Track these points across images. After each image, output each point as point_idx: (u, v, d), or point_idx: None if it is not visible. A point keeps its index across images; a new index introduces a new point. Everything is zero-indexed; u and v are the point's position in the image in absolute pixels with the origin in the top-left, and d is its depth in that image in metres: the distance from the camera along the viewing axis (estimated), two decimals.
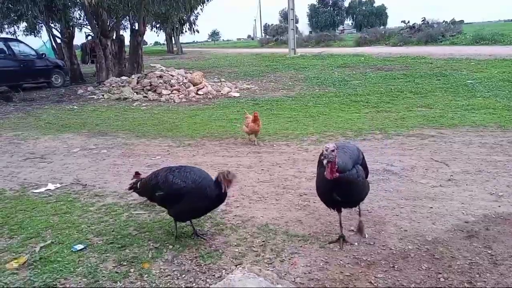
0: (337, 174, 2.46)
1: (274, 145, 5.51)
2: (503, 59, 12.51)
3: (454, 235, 2.82)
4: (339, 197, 2.61)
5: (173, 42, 42.53)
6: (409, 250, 2.64)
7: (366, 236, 2.84)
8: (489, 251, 2.58)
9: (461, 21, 28.58)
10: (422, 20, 26.73)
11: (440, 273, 2.38)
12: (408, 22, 27.82)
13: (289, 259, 2.61)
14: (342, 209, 2.84)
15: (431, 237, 2.80)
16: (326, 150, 2.40)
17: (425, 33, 24.42)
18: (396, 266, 2.47)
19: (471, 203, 3.31)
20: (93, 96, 11.63)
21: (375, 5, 72.81)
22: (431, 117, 6.63)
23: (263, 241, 2.85)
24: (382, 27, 50.85)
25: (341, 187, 2.53)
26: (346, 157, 2.56)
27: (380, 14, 71.88)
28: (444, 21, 27.03)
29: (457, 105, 7.40)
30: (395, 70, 12.56)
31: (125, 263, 2.63)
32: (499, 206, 3.23)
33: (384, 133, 5.81)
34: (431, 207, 3.27)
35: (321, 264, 2.54)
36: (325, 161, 2.42)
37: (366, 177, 2.83)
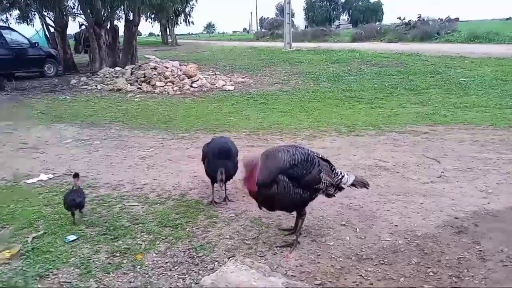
0: (256, 188, 2.52)
1: (268, 139, 5.52)
2: (497, 58, 12.62)
3: (444, 230, 2.86)
4: (264, 206, 2.70)
5: (168, 33, 42.21)
6: (399, 245, 2.68)
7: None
8: (478, 247, 2.63)
9: (457, 19, 28.67)
10: (418, 17, 26.81)
11: (429, 268, 2.42)
12: (404, 18, 27.90)
13: (281, 252, 2.64)
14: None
15: (421, 232, 2.84)
16: (249, 161, 2.50)
17: (421, 30, 24.52)
18: (386, 260, 2.51)
19: (461, 200, 3.36)
20: (86, 86, 11.53)
21: (371, 0, 72.79)
22: (424, 114, 6.68)
23: (256, 234, 2.88)
24: (378, 23, 50.92)
25: (260, 199, 2.61)
26: (267, 171, 2.54)
27: (376, 10, 71.86)
28: (439, 18, 27.16)
29: (450, 103, 7.46)
30: (389, 67, 12.60)
31: (118, 255, 2.63)
32: (489, 203, 3.27)
33: (377, 129, 5.85)
34: (422, 203, 3.32)
35: (312, 257, 2.57)
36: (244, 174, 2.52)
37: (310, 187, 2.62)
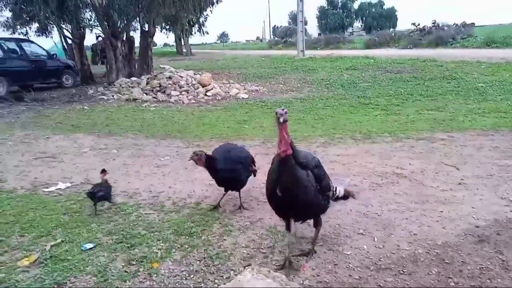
0: (291, 150, 2.29)
1: None
2: None
3: (465, 239, 2.79)
4: (280, 192, 2.35)
5: (183, 43, 42.78)
6: (418, 254, 2.62)
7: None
8: (500, 256, 2.55)
9: (472, 24, 28.29)
10: (433, 23, 26.57)
11: (450, 278, 2.36)
12: (419, 24, 27.69)
13: (298, 261, 2.60)
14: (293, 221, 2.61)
15: (441, 241, 2.77)
16: (282, 110, 2.24)
17: (436, 35, 24.28)
18: (405, 270, 2.45)
19: (481, 208, 3.27)
20: (103, 96, 11.73)
21: (385, 7, 72.53)
22: (441, 120, 6.58)
23: (272, 243, 2.85)
24: (392, 29, 50.62)
25: (286, 179, 2.31)
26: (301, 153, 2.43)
27: (390, 16, 71.52)
28: (454, 23, 26.87)
29: (467, 109, 7.33)
30: (405, 73, 12.48)
31: (134, 263, 2.64)
32: (510, 211, 3.19)
33: (393, 136, 5.77)
34: (441, 211, 3.24)
35: (329, 267, 2.53)
36: (281, 119, 2.22)
37: (324, 195, 2.55)
